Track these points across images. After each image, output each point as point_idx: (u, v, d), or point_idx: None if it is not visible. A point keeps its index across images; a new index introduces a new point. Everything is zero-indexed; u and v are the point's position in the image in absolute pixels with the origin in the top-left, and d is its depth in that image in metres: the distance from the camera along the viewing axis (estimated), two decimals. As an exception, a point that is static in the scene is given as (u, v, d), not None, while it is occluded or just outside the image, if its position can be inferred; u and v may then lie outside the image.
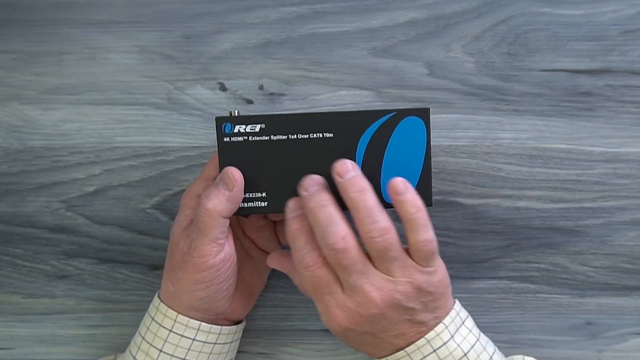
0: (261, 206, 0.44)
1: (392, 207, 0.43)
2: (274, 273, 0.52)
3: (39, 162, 0.52)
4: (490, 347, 0.44)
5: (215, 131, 0.43)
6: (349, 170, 0.41)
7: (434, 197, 0.46)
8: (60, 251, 0.52)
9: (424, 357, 0.41)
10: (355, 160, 0.43)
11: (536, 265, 0.51)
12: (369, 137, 0.43)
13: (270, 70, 0.51)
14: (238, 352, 0.51)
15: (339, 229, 0.40)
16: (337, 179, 0.41)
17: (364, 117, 0.43)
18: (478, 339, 0.43)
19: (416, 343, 0.42)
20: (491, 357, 0.43)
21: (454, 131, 0.50)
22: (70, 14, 0.51)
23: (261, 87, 0.51)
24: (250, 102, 0.51)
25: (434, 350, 0.41)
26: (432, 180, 0.44)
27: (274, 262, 0.46)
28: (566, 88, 0.50)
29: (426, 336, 0.42)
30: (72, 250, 0.52)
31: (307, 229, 0.41)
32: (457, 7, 0.50)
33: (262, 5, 0.50)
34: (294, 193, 0.43)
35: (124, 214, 0.52)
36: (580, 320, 0.52)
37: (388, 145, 0.43)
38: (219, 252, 0.42)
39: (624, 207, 0.51)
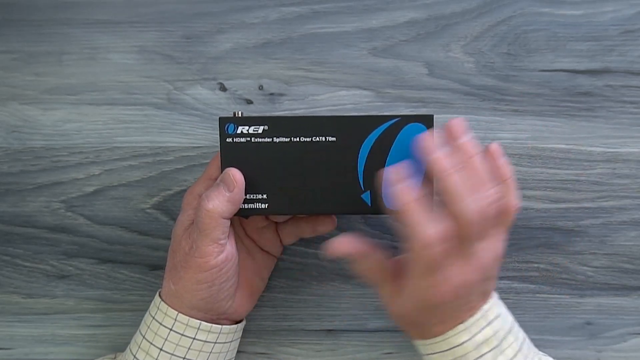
0: (262, 208, 0.44)
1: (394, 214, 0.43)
2: (274, 273, 0.52)
3: (39, 162, 0.52)
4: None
5: (217, 131, 0.43)
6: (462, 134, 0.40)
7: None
8: (60, 251, 0.52)
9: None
10: (357, 165, 0.43)
11: (536, 265, 0.51)
12: (372, 142, 0.43)
13: (270, 70, 0.51)
14: (237, 352, 0.51)
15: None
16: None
17: (367, 122, 0.43)
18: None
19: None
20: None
21: (453, 131, 0.50)
22: (70, 14, 0.51)
23: (261, 87, 0.51)
24: (250, 102, 0.51)
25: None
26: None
27: (344, 247, 0.42)
28: (566, 88, 0.50)
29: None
30: (72, 250, 0.52)
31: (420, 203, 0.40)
32: (457, 7, 0.50)
33: (262, 5, 0.50)
34: (295, 195, 0.43)
35: (124, 214, 0.52)
36: (579, 320, 0.52)
37: (391, 150, 0.43)
38: (221, 252, 0.43)
39: (623, 207, 0.51)
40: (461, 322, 0.41)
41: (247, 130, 0.43)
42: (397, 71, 0.50)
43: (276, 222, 0.49)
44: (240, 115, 0.44)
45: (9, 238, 0.52)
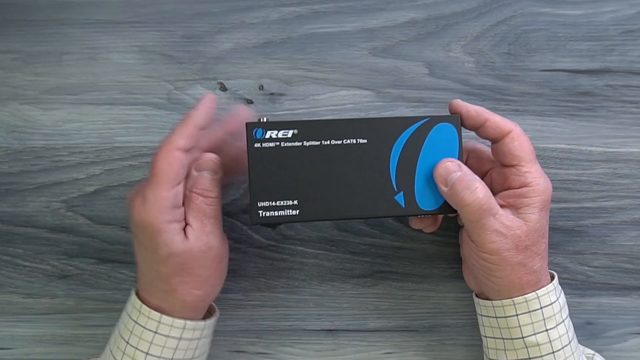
0: (292, 214, 0.42)
1: (428, 214, 0.43)
2: (274, 273, 0.52)
3: (39, 162, 0.52)
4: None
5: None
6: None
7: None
8: (61, 251, 0.52)
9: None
10: (389, 166, 0.43)
11: (536, 265, 0.51)
12: (403, 143, 0.43)
13: (270, 70, 0.51)
14: (238, 352, 0.51)
15: None
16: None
17: (397, 124, 0.43)
18: None
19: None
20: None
21: (454, 131, 0.50)
22: (70, 14, 0.51)
23: (261, 87, 0.51)
24: (250, 102, 0.51)
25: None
26: None
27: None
28: (566, 88, 0.50)
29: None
30: (72, 250, 0.52)
31: None
32: (457, 7, 0.50)
33: (262, 5, 0.50)
34: (326, 200, 0.43)
35: (124, 214, 0.52)
36: (580, 320, 0.52)
37: (422, 150, 0.43)
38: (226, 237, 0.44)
39: (624, 207, 0.51)
40: (550, 283, 0.44)
41: (276, 135, 0.42)
42: (397, 71, 0.50)
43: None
44: (265, 120, 0.43)
45: (9, 238, 0.52)
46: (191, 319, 0.44)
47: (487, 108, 0.50)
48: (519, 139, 0.43)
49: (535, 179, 0.43)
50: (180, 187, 0.42)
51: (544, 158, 0.50)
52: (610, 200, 0.51)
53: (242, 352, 0.52)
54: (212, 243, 0.43)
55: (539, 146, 0.50)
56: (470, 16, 0.50)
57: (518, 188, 0.43)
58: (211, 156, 0.44)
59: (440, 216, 0.48)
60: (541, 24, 0.50)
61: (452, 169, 0.42)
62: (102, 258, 0.52)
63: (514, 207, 0.43)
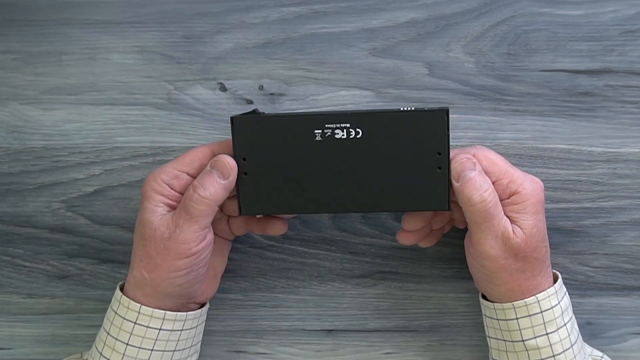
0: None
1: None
2: (274, 273, 0.52)
3: (39, 162, 0.52)
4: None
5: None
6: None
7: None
8: (61, 251, 0.52)
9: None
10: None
11: (536, 265, 0.51)
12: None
13: (270, 70, 0.51)
14: (238, 352, 0.51)
15: None
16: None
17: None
18: None
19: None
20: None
21: (454, 131, 0.50)
22: (70, 14, 0.51)
23: (261, 87, 0.51)
24: (250, 102, 0.51)
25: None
26: None
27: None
28: (566, 88, 0.50)
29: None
30: (72, 250, 0.52)
31: None
32: (457, 7, 0.50)
33: (262, 5, 0.50)
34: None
35: (124, 214, 0.52)
36: (580, 320, 0.52)
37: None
38: (203, 239, 0.43)
39: (623, 207, 0.51)
40: (551, 286, 0.44)
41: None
42: (397, 71, 0.50)
43: (228, 215, 0.48)
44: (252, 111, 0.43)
45: (9, 238, 0.52)
46: (171, 310, 0.44)
47: (487, 108, 0.50)
48: (485, 158, 0.43)
49: (519, 185, 0.43)
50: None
51: (544, 158, 0.50)
52: (610, 201, 0.51)
53: (242, 352, 0.52)
54: (175, 235, 0.42)
55: (539, 146, 0.50)
56: (470, 16, 0.50)
57: (507, 198, 0.43)
58: (226, 159, 0.43)
59: (437, 231, 0.49)
60: (541, 24, 0.50)
61: (468, 167, 0.42)
62: (102, 258, 0.52)
63: (509, 218, 0.43)
